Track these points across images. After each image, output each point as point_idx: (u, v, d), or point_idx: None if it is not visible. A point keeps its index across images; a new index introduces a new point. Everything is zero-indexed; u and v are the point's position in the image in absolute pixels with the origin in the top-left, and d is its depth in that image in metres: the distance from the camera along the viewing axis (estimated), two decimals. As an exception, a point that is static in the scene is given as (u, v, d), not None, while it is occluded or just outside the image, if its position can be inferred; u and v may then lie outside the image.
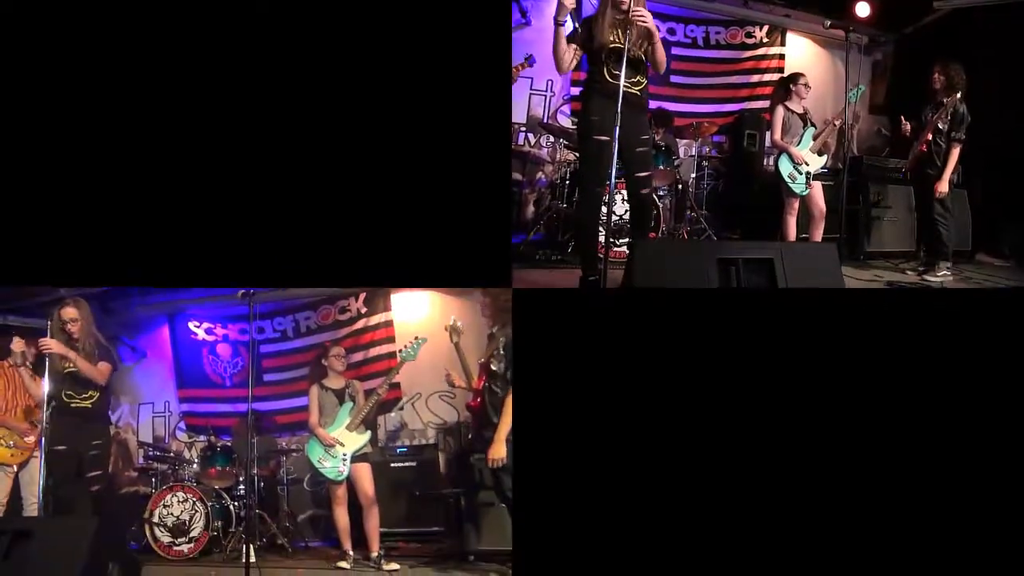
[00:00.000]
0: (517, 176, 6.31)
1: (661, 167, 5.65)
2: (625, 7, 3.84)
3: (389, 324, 5.99)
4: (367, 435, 4.83)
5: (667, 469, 3.10)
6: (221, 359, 6.51)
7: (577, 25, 4.16)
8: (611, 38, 3.92)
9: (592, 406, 3.12)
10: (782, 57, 7.15)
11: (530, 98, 6.64)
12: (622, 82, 3.71)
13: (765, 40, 7.17)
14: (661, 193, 5.72)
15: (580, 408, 3.12)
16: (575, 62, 4.10)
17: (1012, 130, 5.54)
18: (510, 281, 3.44)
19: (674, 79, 6.99)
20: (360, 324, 6.06)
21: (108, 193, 3.29)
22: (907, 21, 6.78)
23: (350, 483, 4.75)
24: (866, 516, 3.08)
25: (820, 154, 5.37)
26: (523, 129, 6.59)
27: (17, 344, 4.30)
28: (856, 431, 3.11)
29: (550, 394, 3.14)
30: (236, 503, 5.35)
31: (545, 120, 6.60)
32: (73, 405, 4.18)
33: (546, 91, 6.75)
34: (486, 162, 3.30)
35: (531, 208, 6.30)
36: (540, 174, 6.36)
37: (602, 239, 4.58)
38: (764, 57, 7.17)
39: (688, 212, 6.05)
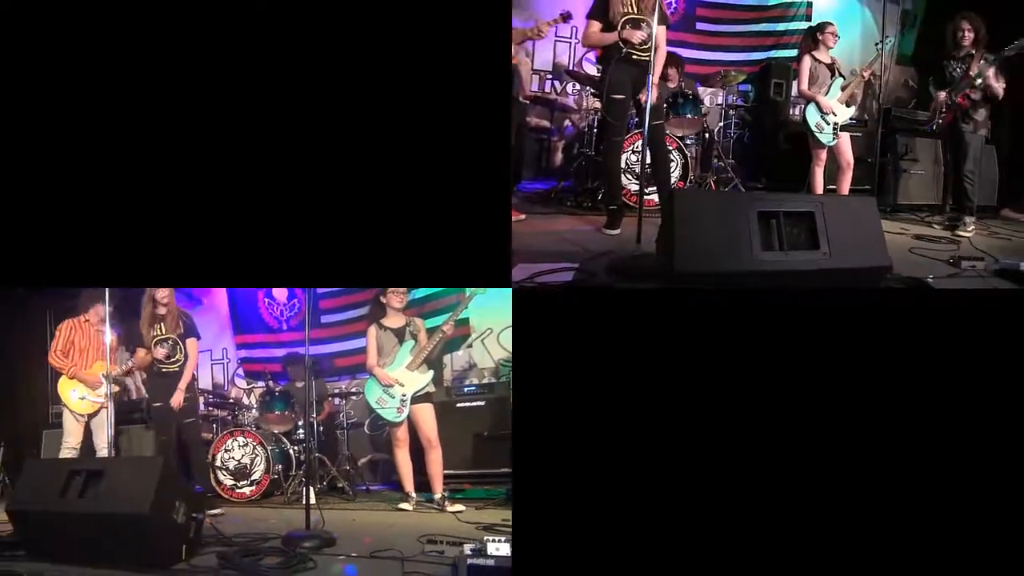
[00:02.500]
0: (545, 123, 6.31)
1: (688, 115, 5.65)
2: None
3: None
4: (429, 374, 4.64)
5: (670, 469, 3.07)
6: (277, 302, 6.58)
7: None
8: (622, 8, 4.44)
9: (594, 405, 3.09)
10: (810, 5, 7.06)
11: (555, 45, 6.61)
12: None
13: (792, -13, 7.09)
14: (688, 142, 5.71)
15: (582, 407, 3.10)
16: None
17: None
18: (510, 281, 3.40)
19: (700, 26, 6.97)
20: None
21: (111, 195, 3.23)
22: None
23: (411, 424, 4.61)
24: (867, 517, 3.05)
25: (848, 105, 5.34)
26: (549, 76, 6.59)
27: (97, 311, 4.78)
28: (853, 433, 3.09)
29: (551, 393, 3.10)
30: (296, 447, 5.42)
31: (571, 68, 6.58)
32: (163, 369, 4.81)
33: (571, 38, 6.72)
34: (486, 161, 3.23)
35: (559, 155, 6.32)
36: (567, 122, 6.35)
37: (632, 188, 4.73)
38: (792, 5, 7.09)
39: (715, 160, 6.04)
